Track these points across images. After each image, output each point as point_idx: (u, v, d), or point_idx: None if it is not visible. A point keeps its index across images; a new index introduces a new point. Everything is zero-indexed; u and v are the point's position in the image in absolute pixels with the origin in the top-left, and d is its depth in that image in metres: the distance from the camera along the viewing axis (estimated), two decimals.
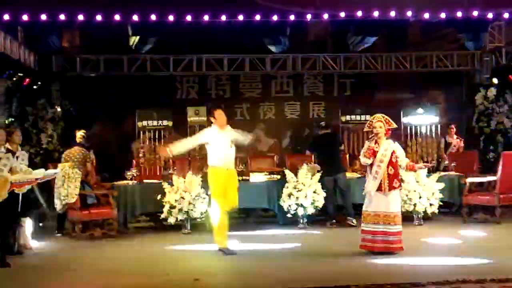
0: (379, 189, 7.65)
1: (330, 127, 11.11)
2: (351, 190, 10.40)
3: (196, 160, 11.84)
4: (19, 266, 7.60)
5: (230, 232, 8.34)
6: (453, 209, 10.96)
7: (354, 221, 10.14)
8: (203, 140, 8.24)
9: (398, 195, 7.75)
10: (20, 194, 8.04)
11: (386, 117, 7.84)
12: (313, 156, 10.88)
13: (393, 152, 7.69)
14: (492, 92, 13.32)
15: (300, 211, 9.96)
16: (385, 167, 7.62)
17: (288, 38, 11.01)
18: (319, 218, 10.56)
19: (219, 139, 8.10)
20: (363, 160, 7.81)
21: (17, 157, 7.99)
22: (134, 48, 11.16)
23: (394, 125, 7.92)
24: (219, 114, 8.21)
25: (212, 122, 8.26)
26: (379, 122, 7.76)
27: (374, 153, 7.68)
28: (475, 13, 10.29)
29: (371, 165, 7.71)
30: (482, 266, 6.90)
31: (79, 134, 11.18)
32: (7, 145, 8.11)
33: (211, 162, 8.14)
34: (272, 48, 11.65)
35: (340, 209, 10.69)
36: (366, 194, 7.80)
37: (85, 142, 11.17)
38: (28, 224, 8.83)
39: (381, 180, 7.63)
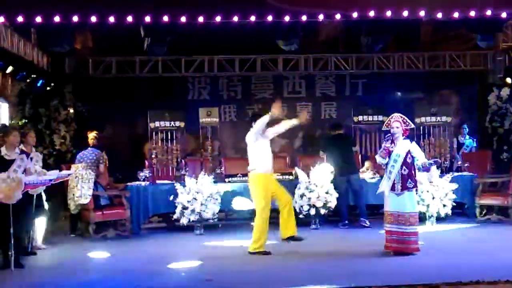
0: (392, 189, 7.64)
1: (343, 128, 11.09)
2: (364, 191, 10.38)
3: (208, 161, 11.87)
4: (33, 267, 7.65)
5: (242, 233, 8.33)
6: (466, 209, 10.90)
7: (367, 222, 10.13)
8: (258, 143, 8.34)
9: (412, 196, 7.70)
10: (34, 195, 8.11)
11: (404, 117, 7.84)
12: (325, 157, 10.86)
13: (409, 152, 7.67)
14: (505, 92, 13.22)
15: (313, 212, 9.95)
16: (398, 167, 7.60)
17: (300, 39, 10.97)
18: (331, 219, 10.54)
19: (267, 144, 8.35)
20: (379, 159, 7.82)
21: (31, 159, 8.03)
22: (147, 51, 11.19)
23: (412, 125, 7.93)
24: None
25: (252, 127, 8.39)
26: (397, 122, 7.75)
27: (389, 153, 7.67)
28: (489, 13, 10.21)
29: (387, 164, 7.71)
30: (495, 267, 6.85)
31: (92, 135, 11.24)
32: (21, 147, 8.16)
33: (256, 168, 8.23)
34: (284, 48, 11.61)
35: (353, 209, 10.69)
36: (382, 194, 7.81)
37: (97, 143, 11.25)
38: (41, 225, 8.91)
39: (394, 180, 7.61)
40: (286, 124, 8.54)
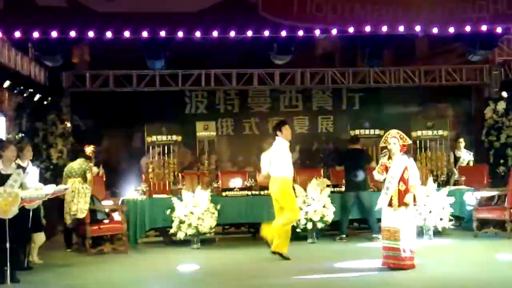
0: (390, 204, 7.64)
1: (359, 143, 11.07)
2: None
3: (205, 175, 11.86)
4: (29, 282, 7.61)
5: (240, 247, 8.29)
6: (463, 223, 10.91)
7: (379, 236, 10.09)
8: (284, 151, 8.72)
9: (409, 211, 7.68)
10: (31, 210, 8.08)
11: (401, 133, 7.87)
12: (321, 170, 10.89)
13: (406, 168, 7.68)
14: (501, 105, 13.27)
15: (310, 226, 9.94)
16: (396, 183, 7.60)
17: (293, 52, 10.96)
18: (328, 233, 10.53)
19: (288, 152, 8.73)
20: (376, 176, 7.84)
21: (27, 173, 8.02)
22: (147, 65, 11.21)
23: (409, 141, 7.96)
24: (287, 129, 8.84)
25: (277, 135, 8.81)
26: (394, 138, 7.78)
27: (386, 169, 7.69)
28: (484, 28, 10.28)
29: (384, 180, 7.71)
30: (492, 280, 6.84)
31: (89, 149, 11.25)
32: (18, 161, 8.15)
33: (286, 174, 8.65)
34: (278, 62, 11.60)
35: (351, 223, 10.70)
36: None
37: (94, 158, 11.26)
38: (39, 239, 8.90)
39: (391, 196, 7.62)
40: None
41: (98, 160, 11.78)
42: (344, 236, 10.27)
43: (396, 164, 7.67)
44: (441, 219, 10.01)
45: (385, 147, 7.89)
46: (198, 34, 9.22)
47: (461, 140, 12.83)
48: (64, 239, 10.24)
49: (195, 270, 8.20)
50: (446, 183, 11.55)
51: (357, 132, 12.84)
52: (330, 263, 8.37)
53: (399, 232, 7.55)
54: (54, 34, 8.49)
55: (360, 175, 10.33)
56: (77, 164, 10.12)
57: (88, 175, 10.09)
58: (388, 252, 7.64)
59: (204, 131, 12.34)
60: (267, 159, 8.80)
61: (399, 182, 7.61)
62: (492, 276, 7.16)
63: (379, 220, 10.14)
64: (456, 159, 12.57)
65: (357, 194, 10.32)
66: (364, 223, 10.89)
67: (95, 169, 11.07)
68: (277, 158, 8.67)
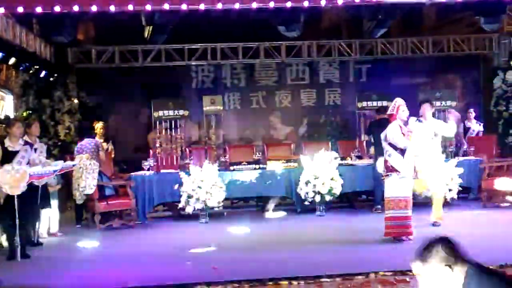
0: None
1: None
2: None
3: (212, 149, 11.85)
4: (39, 257, 7.67)
5: (248, 221, 8.28)
6: (472, 194, 10.88)
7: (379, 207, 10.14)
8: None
9: (390, 180, 7.68)
10: (40, 186, 8.11)
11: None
12: (329, 143, 10.82)
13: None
14: (510, 75, 13.13)
15: (318, 199, 9.93)
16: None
17: (301, 24, 10.84)
18: (336, 205, 10.54)
19: None
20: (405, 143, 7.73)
21: (35, 149, 8.04)
22: (148, 40, 11.14)
23: (392, 111, 7.87)
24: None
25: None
26: (403, 105, 7.79)
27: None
28: None
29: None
30: (502, 251, 6.83)
31: (99, 125, 11.28)
32: (26, 138, 8.17)
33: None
34: (286, 34, 11.46)
35: (358, 195, 10.67)
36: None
37: (105, 134, 11.29)
38: (54, 214, 8.98)
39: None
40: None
41: (107, 136, 11.80)
42: (379, 207, 10.02)
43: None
44: (449, 190, 9.98)
45: (392, 114, 7.81)
46: (202, 6, 9.11)
47: (471, 110, 12.74)
48: (75, 214, 10.30)
49: (204, 244, 8.23)
50: (455, 154, 11.48)
51: (364, 104, 12.78)
52: (339, 235, 8.38)
53: (409, 201, 7.57)
54: (57, 8, 8.40)
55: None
56: (89, 142, 10.19)
57: (101, 153, 10.14)
58: (393, 222, 7.65)
59: (211, 105, 12.31)
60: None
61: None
62: (500, 246, 7.14)
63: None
64: (466, 129, 12.49)
65: None
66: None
67: (104, 145, 11.10)
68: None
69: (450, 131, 8.73)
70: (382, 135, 7.80)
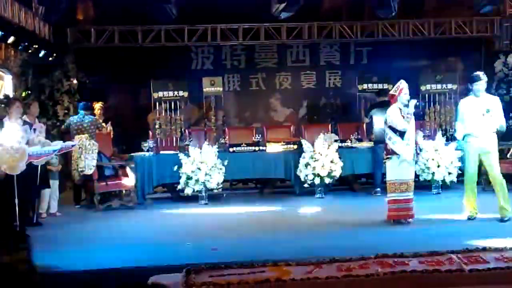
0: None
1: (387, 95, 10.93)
2: None
3: (212, 131, 11.83)
4: (38, 237, 7.65)
5: (247, 202, 8.27)
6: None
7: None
8: None
9: (391, 163, 7.70)
10: (39, 166, 8.10)
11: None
12: (329, 126, 10.81)
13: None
14: None
15: (317, 181, 9.93)
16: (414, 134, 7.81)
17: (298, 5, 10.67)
18: (336, 188, 10.54)
19: None
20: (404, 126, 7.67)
21: (34, 130, 8.02)
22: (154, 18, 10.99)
23: (394, 92, 7.86)
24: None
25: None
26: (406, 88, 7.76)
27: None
28: None
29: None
30: (502, 234, 6.84)
31: (98, 106, 11.25)
32: (25, 117, 8.14)
33: None
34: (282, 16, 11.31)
35: (358, 178, 10.67)
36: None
37: (103, 114, 11.27)
38: (53, 194, 8.98)
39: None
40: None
41: (106, 116, 11.77)
42: (378, 190, 10.09)
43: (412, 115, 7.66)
44: (449, 173, 9.98)
45: (394, 95, 7.78)
46: None
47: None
48: (73, 195, 10.30)
49: (203, 225, 8.25)
50: (454, 137, 11.44)
51: (364, 86, 12.74)
52: (338, 218, 8.39)
53: (410, 184, 7.56)
54: None
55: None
56: (87, 119, 10.22)
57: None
58: (395, 205, 7.64)
59: (211, 87, 12.25)
60: None
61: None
62: (499, 229, 7.15)
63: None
64: None
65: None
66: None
67: (103, 126, 11.11)
68: None
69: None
70: (383, 119, 7.78)
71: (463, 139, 7.94)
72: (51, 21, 11.15)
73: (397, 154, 7.58)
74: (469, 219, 7.83)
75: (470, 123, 7.76)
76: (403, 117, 7.61)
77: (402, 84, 7.77)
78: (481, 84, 7.78)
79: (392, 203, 7.70)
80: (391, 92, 7.90)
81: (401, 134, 7.61)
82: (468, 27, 13.64)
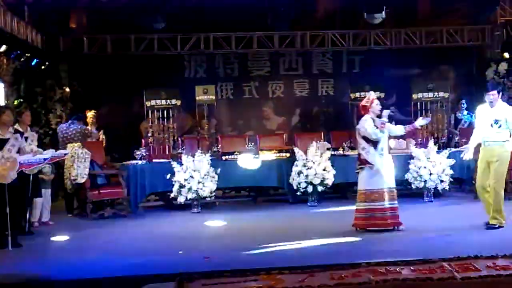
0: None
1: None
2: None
3: (205, 139, 11.82)
4: (30, 246, 7.64)
5: (240, 211, 8.27)
6: (464, 185, 10.90)
7: None
8: None
9: (363, 173, 7.73)
10: (30, 175, 8.07)
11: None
12: (322, 134, 10.81)
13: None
14: (503, 66, 13.16)
15: (310, 189, 9.94)
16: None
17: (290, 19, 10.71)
18: (328, 196, 10.54)
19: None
20: (378, 135, 7.70)
21: (26, 138, 7.98)
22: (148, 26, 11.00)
23: (366, 102, 7.89)
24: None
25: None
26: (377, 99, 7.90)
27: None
28: None
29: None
30: (494, 242, 6.85)
31: (90, 114, 11.23)
32: (16, 126, 8.11)
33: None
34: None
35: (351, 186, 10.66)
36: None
37: (97, 123, 11.26)
38: (46, 203, 8.96)
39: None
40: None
41: (99, 125, 11.75)
42: None
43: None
44: (441, 181, 10.01)
45: (366, 106, 7.81)
46: None
47: (463, 101, 12.74)
48: (65, 204, 10.26)
49: (196, 234, 8.23)
50: (446, 145, 11.50)
51: (357, 94, 12.79)
52: (331, 226, 8.39)
53: (383, 193, 7.59)
54: None
55: None
56: (72, 128, 10.22)
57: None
58: (362, 214, 7.71)
59: (204, 95, 12.27)
60: None
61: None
62: (491, 238, 7.17)
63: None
64: (457, 120, 12.51)
65: None
66: None
67: (96, 134, 11.09)
68: None
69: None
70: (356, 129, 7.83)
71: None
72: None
73: (370, 163, 7.61)
74: (494, 227, 7.62)
75: (481, 132, 7.84)
76: (377, 127, 7.66)
77: (372, 95, 7.94)
78: (493, 94, 7.77)
79: (359, 212, 7.74)
80: (362, 103, 7.92)
81: (374, 144, 7.65)
82: (459, 36, 13.73)
